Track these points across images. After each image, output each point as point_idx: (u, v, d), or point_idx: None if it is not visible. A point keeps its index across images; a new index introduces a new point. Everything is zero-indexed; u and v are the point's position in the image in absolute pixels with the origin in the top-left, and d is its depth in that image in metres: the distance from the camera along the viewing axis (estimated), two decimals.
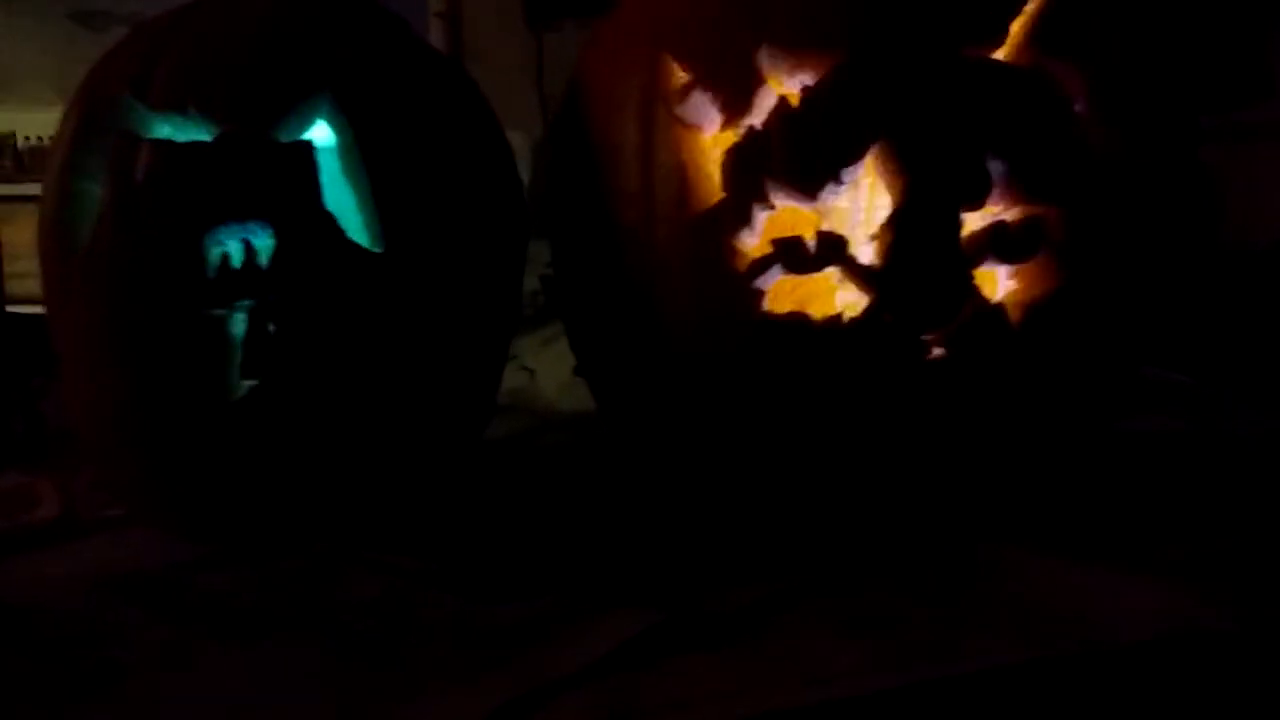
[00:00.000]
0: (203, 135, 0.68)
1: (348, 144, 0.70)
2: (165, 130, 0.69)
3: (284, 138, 0.69)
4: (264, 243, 0.68)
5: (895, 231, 0.61)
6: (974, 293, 0.61)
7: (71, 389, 0.74)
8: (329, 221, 0.69)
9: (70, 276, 0.69)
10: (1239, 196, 2.07)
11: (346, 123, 0.70)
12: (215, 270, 0.67)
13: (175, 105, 0.69)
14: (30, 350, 1.61)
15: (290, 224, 0.68)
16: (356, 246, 0.69)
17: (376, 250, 0.70)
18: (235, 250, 0.68)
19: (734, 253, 0.64)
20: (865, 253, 0.63)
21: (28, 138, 5.26)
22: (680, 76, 0.66)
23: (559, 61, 2.64)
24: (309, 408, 0.69)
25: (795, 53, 0.62)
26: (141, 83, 0.70)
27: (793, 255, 0.63)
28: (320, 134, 0.71)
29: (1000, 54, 0.62)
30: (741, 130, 0.64)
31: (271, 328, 0.68)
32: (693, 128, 0.66)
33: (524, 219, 0.82)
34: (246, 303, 0.68)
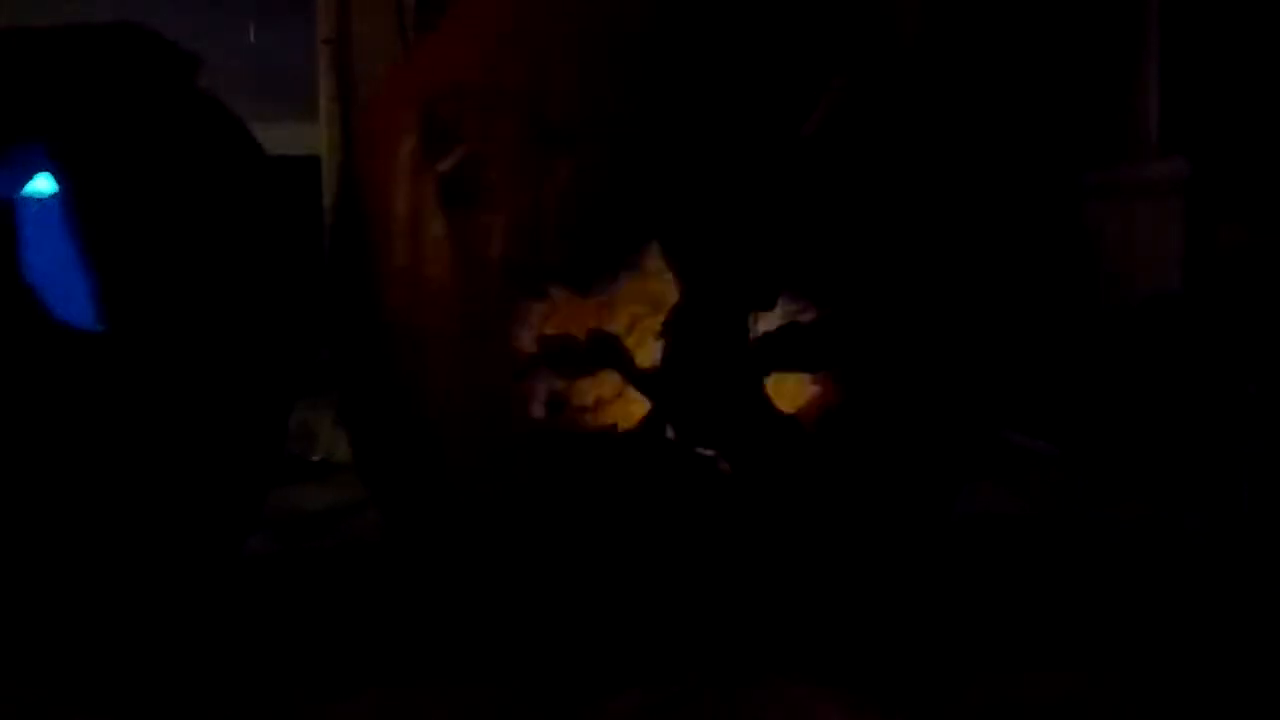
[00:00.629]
0: None
1: (66, 200, 0.60)
2: None
3: None
4: None
5: (675, 333, 0.53)
6: (765, 403, 0.54)
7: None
8: (28, 297, 0.58)
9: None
10: (1119, 252, 2.08)
11: (64, 174, 0.60)
12: None
13: None
14: None
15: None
16: (68, 328, 0.59)
17: (96, 329, 0.59)
18: None
19: (503, 349, 0.56)
20: (650, 355, 0.55)
21: None
22: (451, 145, 0.58)
23: None
24: (17, 532, 0.58)
25: (571, 131, 0.55)
26: None
27: (562, 356, 0.55)
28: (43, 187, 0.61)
29: (797, 143, 0.55)
30: (514, 212, 0.56)
31: None
32: (463, 204, 0.58)
33: (306, 278, 0.72)
34: None
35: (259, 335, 0.68)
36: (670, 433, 0.54)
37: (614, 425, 0.55)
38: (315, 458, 1.09)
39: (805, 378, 0.56)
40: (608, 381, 0.56)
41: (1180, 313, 1.64)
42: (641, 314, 0.56)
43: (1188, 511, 1.04)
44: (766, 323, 0.54)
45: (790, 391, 0.56)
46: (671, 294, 0.55)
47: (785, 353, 0.54)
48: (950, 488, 0.67)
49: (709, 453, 0.54)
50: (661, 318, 0.55)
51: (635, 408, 0.56)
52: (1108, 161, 2.11)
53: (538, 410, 0.55)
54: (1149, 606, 0.71)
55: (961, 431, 0.64)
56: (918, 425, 0.59)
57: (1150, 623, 0.68)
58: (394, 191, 0.61)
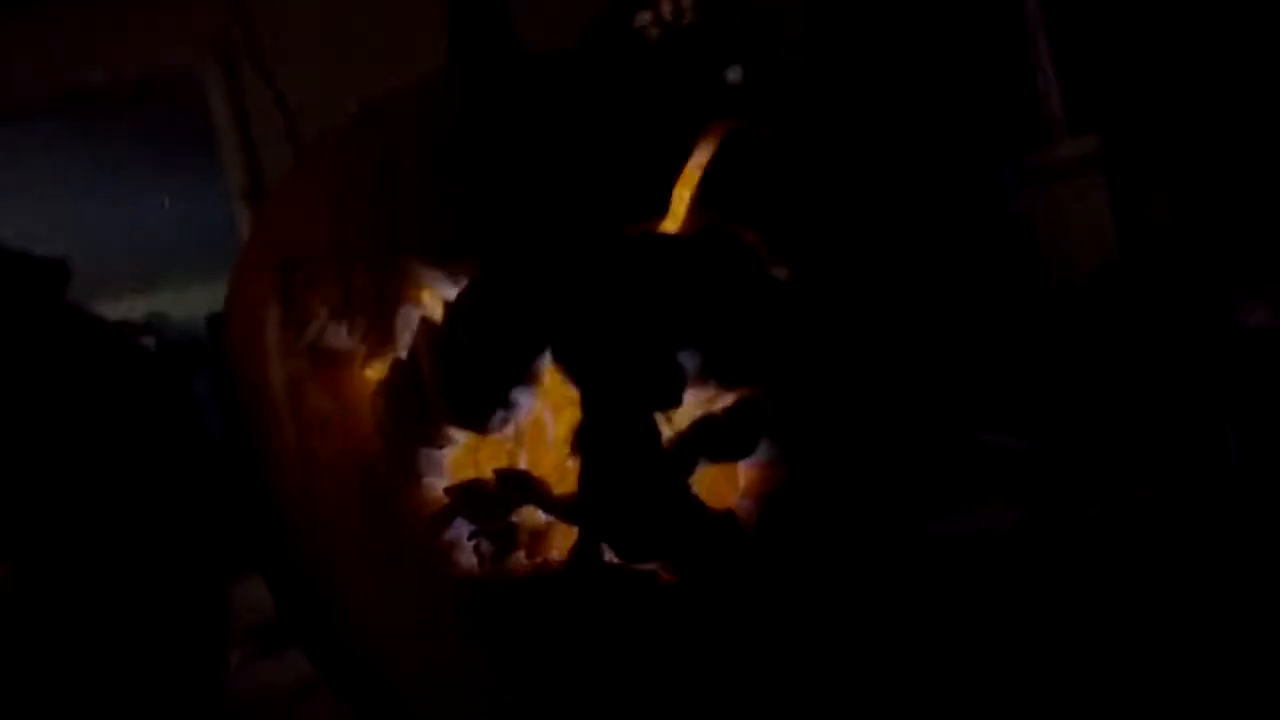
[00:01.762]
0: None
1: None
2: None
3: None
4: None
5: (582, 451, 0.50)
6: (694, 504, 0.51)
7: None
8: None
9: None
10: (1054, 236, 2.08)
11: None
12: None
13: None
14: None
15: None
16: None
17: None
18: None
19: (409, 508, 0.53)
20: (557, 480, 0.52)
21: None
22: (317, 309, 0.56)
23: None
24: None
25: (432, 266, 0.52)
26: None
27: (474, 502, 0.52)
28: None
29: (667, 226, 0.53)
30: (388, 363, 0.53)
31: None
32: (336, 367, 0.55)
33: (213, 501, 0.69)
34: None
35: (175, 533, 0.65)
36: (608, 554, 0.51)
37: (545, 560, 0.52)
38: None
39: (740, 467, 0.53)
40: (533, 515, 0.53)
41: (1124, 280, 1.63)
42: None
43: (1174, 482, 1.01)
44: (679, 419, 0.52)
45: (721, 486, 0.53)
46: (558, 416, 0.52)
47: (706, 446, 0.51)
48: (917, 528, 0.64)
49: (649, 567, 0.51)
50: (559, 440, 0.52)
51: (569, 536, 0.52)
52: (1022, 150, 2.13)
53: (464, 561, 0.52)
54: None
55: (920, 466, 0.62)
56: (871, 480, 0.57)
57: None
58: (266, 367, 0.58)
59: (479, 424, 0.51)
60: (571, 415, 0.52)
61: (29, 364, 0.62)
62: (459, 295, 0.52)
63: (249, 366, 0.59)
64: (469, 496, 0.52)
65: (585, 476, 0.50)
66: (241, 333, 0.61)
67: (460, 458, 0.53)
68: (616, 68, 0.60)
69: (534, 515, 0.52)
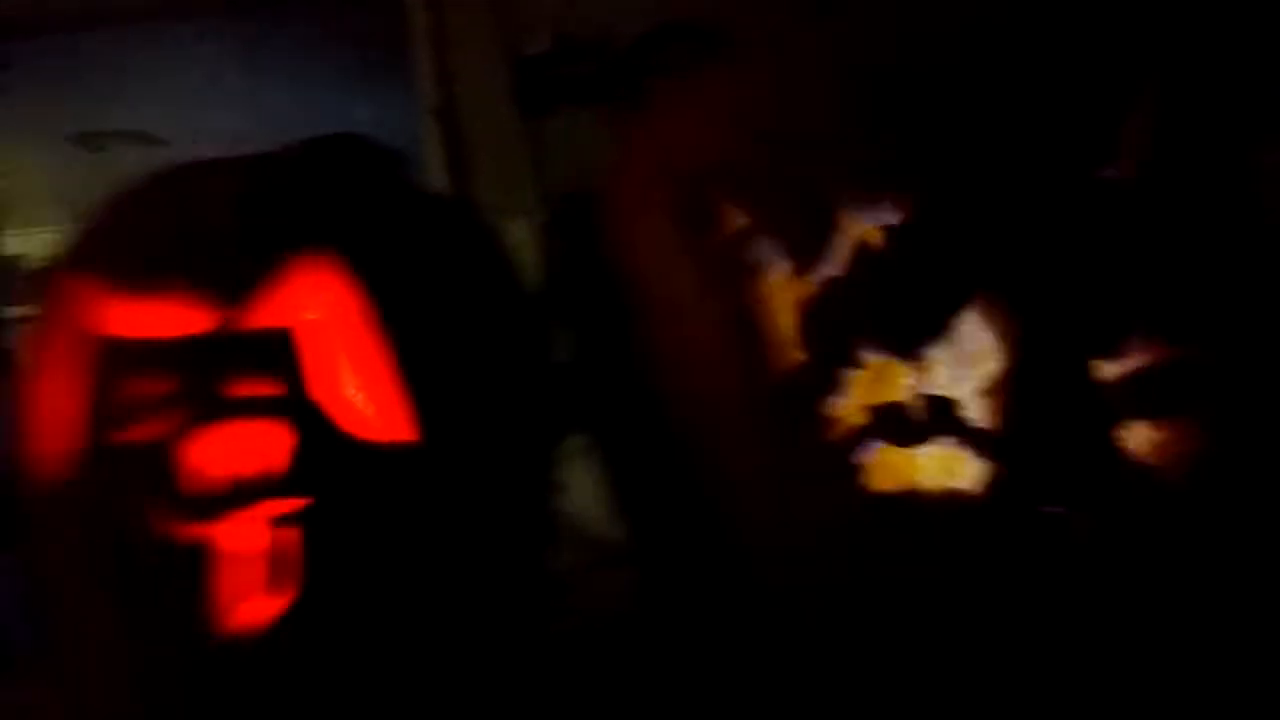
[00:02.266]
0: (182, 325, 0.59)
1: (355, 319, 0.60)
2: (136, 321, 0.59)
3: (276, 318, 0.59)
4: (282, 446, 0.57)
5: (1013, 390, 0.50)
6: (1118, 455, 0.51)
7: (58, 626, 0.64)
8: (348, 415, 0.58)
9: (43, 496, 0.60)
10: None
11: (355, 293, 0.60)
12: (209, 486, 0.57)
13: (149, 289, 0.59)
14: None
15: (301, 420, 0.58)
16: (380, 442, 0.59)
17: (395, 442, 0.59)
18: (236, 456, 0.58)
19: (823, 422, 0.54)
20: (976, 413, 0.52)
21: (34, 261, 5.29)
22: (737, 220, 0.57)
23: (559, 148, 2.59)
24: (333, 642, 0.58)
25: (874, 189, 0.53)
26: (114, 268, 0.60)
27: (894, 425, 0.52)
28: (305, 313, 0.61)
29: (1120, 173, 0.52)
30: (817, 280, 0.54)
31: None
32: (756, 276, 0.56)
33: (555, 376, 0.72)
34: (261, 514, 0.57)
35: (534, 425, 0.68)
36: (1014, 494, 0.51)
37: (956, 490, 0.52)
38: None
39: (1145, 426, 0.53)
40: (935, 446, 0.53)
41: None
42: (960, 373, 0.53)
43: None
44: (1110, 369, 0.51)
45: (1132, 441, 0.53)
46: (989, 349, 0.52)
47: (1138, 400, 0.51)
48: None
49: (1059, 511, 0.51)
50: (983, 375, 0.52)
51: (964, 470, 0.53)
52: None
53: (874, 482, 0.53)
54: None
55: None
56: None
57: None
58: (668, 272, 0.60)
59: (909, 350, 0.52)
60: (991, 348, 0.52)
61: (429, 238, 0.66)
62: (905, 221, 0.52)
63: (642, 269, 0.61)
64: (889, 418, 0.52)
65: (1012, 414, 0.50)
66: (634, 236, 0.63)
67: (867, 379, 0.54)
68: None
69: (941, 443, 0.53)
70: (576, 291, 0.71)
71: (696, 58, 2.68)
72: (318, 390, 0.58)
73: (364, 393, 0.59)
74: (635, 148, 0.66)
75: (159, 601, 0.57)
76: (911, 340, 0.52)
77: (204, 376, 0.57)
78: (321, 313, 0.60)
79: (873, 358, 0.53)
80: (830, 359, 0.53)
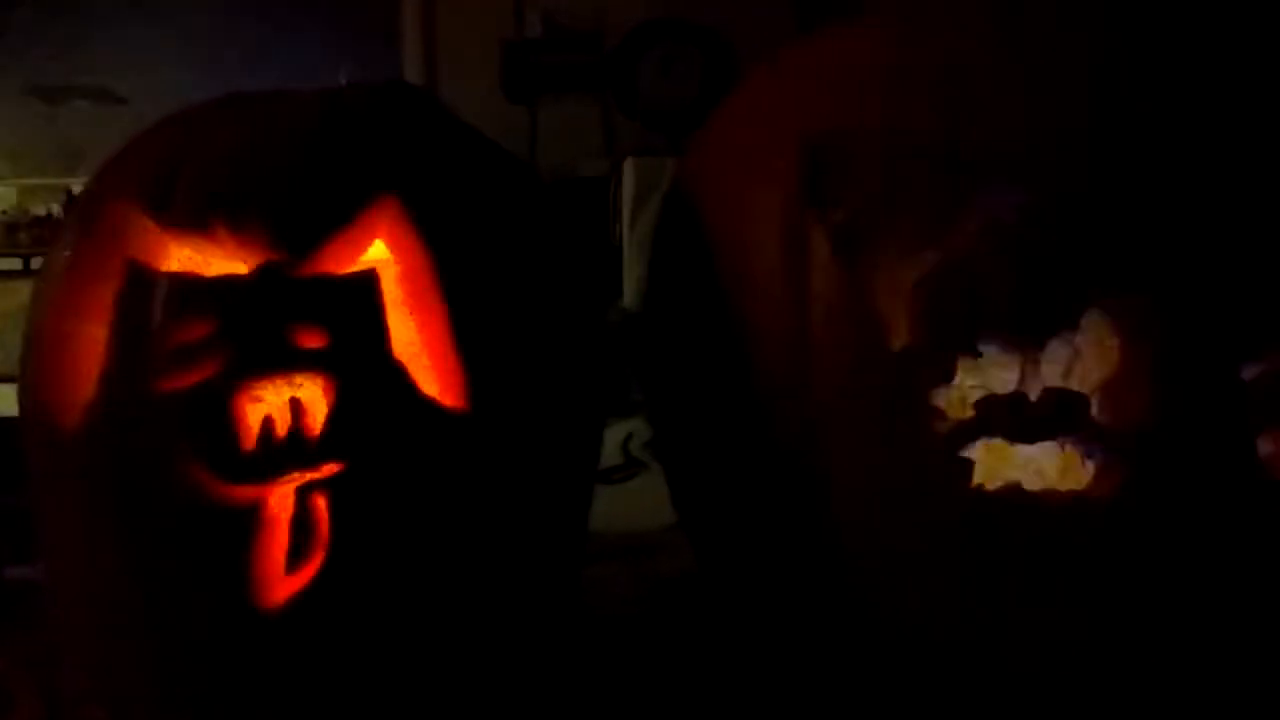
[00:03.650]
0: (234, 265, 0.54)
1: (415, 272, 0.56)
2: (186, 257, 0.54)
3: (336, 266, 0.55)
4: (318, 401, 0.53)
5: (1160, 390, 0.47)
6: (1256, 463, 0.48)
7: (61, 582, 0.58)
8: (400, 374, 0.54)
9: (62, 448, 0.54)
10: None
11: (416, 245, 0.56)
12: (255, 438, 0.52)
13: (201, 226, 0.54)
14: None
15: (353, 378, 0.53)
16: (434, 404, 0.54)
17: (450, 405, 0.55)
18: (279, 412, 0.53)
19: (929, 413, 0.50)
20: (1103, 411, 0.49)
21: None
22: (846, 193, 0.53)
23: (547, 135, 2.55)
24: (375, 610, 0.54)
25: (1011, 166, 0.50)
26: (157, 199, 0.55)
27: (1010, 419, 0.49)
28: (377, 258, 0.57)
29: None
30: (935, 259, 0.51)
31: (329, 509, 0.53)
32: (862, 254, 0.53)
33: (606, 348, 0.69)
34: (295, 478, 0.53)
35: (587, 398, 0.64)
36: (1143, 498, 0.49)
37: (1080, 492, 0.49)
38: None
39: None
40: (1052, 444, 0.50)
41: None
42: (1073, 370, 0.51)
43: None
44: (1250, 372, 0.49)
45: None
46: (1124, 343, 0.49)
47: (1271, 405, 0.48)
48: None
49: (1194, 522, 0.48)
50: (1115, 370, 0.49)
51: (1084, 471, 0.50)
52: None
53: (982, 480, 0.50)
54: None
55: None
56: None
57: None
58: (758, 244, 0.56)
59: (1038, 341, 0.49)
60: (1122, 349, 0.49)
61: (490, 190, 0.61)
62: (1042, 202, 0.49)
63: (733, 236, 0.57)
64: (1004, 411, 0.49)
65: (1156, 416, 0.47)
66: (725, 199, 0.59)
67: (978, 370, 0.51)
68: None
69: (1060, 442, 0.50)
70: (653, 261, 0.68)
71: (686, 53, 2.65)
72: (368, 347, 0.54)
73: (417, 353, 0.55)
74: (752, 108, 0.62)
75: (194, 566, 0.52)
76: (1038, 330, 0.49)
77: (254, 322, 0.53)
78: (383, 264, 0.56)
79: (992, 346, 0.50)
80: (945, 345, 0.50)
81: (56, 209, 5.21)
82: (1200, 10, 0.52)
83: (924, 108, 0.53)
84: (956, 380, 0.51)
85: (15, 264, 5.15)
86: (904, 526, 0.51)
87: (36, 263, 5.25)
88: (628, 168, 2.05)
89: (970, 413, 0.50)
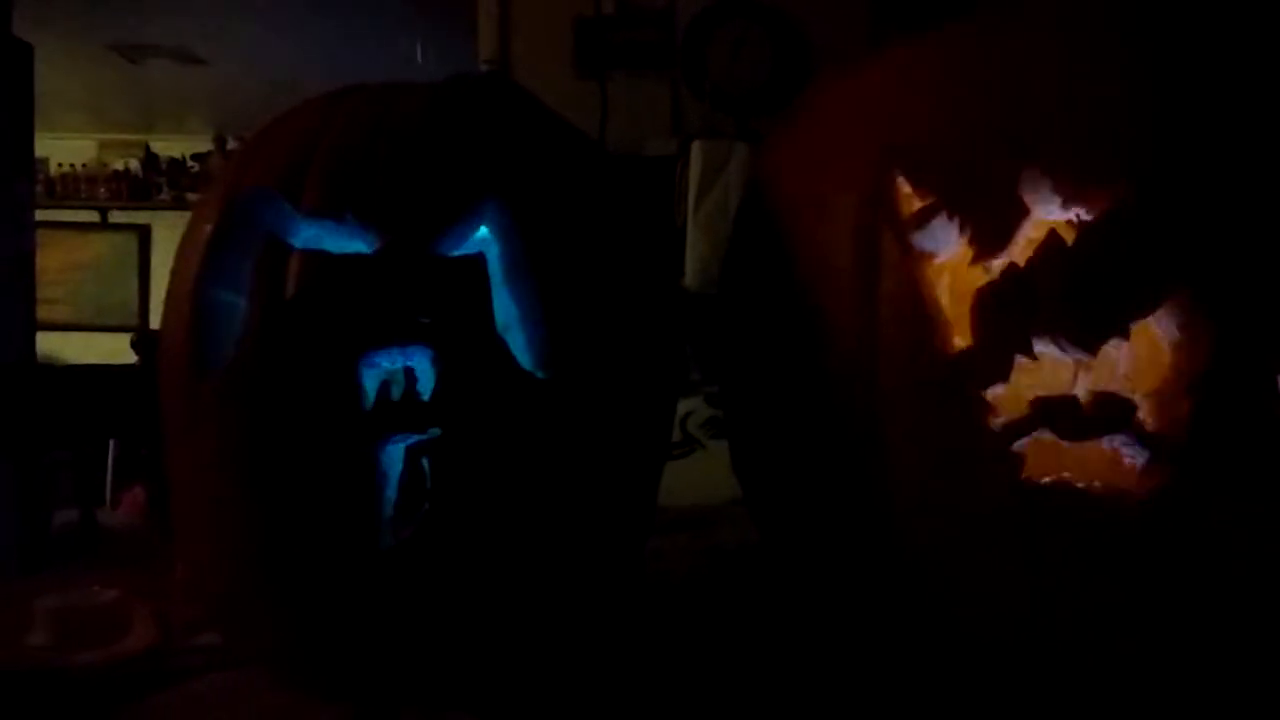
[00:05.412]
0: (359, 245, 0.60)
1: (515, 255, 0.62)
2: (316, 236, 0.61)
3: (448, 249, 0.61)
4: (427, 370, 0.59)
5: (1201, 396, 0.51)
6: None
7: (187, 522, 0.65)
8: (501, 348, 0.60)
9: (200, 400, 0.61)
10: None
11: (516, 231, 0.62)
12: (373, 400, 0.59)
13: (331, 211, 0.60)
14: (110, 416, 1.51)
15: (459, 350, 0.59)
16: (528, 374, 0.60)
17: (542, 376, 0.61)
18: (396, 378, 0.59)
19: (985, 408, 0.55)
20: (1150, 415, 0.53)
21: (60, 164, 5.27)
22: (916, 199, 0.58)
23: (616, 110, 2.59)
24: (469, 556, 0.60)
25: (1071, 181, 0.54)
26: (292, 183, 0.61)
27: (1063, 419, 0.54)
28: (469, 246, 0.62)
29: None
30: (997, 267, 0.55)
31: (431, 467, 0.59)
32: (929, 258, 0.57)
33: (681, 329, 0.74)
34: (405, 438, 0.59)
35: (661, 373, 0.70)
36: (1185, 500, 0.53)
37: (1122, 488, 0.53)
38: None
39: None
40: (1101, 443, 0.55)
41: None
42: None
43: None
44: None
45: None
46: (1174, 350, 0.53)
47: None
48: None
49: (1231, 524, 0.52)
50: (1165, 376, 0.53)
51: (1129, 470, 0.54)
52: None
53: (1031, 473, 0.54)
54: None
55: None
56: None
57: None
58: (833, 243, 0.61)
59: (1090, 346, 0.53)
60: (1170, 358, 0.53)
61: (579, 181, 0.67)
62: (1102, 215, 0.53)
63: (810, 233, 0.62)
64: (1059, 412, 0.54)
65: (1196, 421, 0.51)
66: (803, 199, 0.64)
67: (1032, 371, 0.55)
68: None
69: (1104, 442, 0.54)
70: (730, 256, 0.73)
71: (756, 36, 2.66)
72: (473, 324, 0.60)
73: (514, 329, 0.61)
74: (831, 111, 0.66)
75: (317, 511, 0.58)
76: (1092, 336, 0.53)
77: (377, 297, 0.59)
78: (488, 247, 0.61)
79: (1048, 350, 0.54)
80: (1002, 347, 0.55)
81: (135, 164, 5.41)
82: (1263, 20, 0.55)
83: (994, 120, 0.57)
84: (1012, 379, 0.55)
85: (93, 217, 5.35)
86: (957, 512, 0.56)
87: (114, 216, 5.36)
88: (695, 150, 2.08)
89: (1024, 410, 0.54)
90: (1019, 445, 0.54)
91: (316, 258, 0.59)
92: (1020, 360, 0.54)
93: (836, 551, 0.63)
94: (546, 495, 0.62)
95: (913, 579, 0.59)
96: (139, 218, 5.33)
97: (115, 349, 5.29)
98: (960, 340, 0.56)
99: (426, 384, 0.59)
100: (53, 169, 5.22)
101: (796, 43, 2.51)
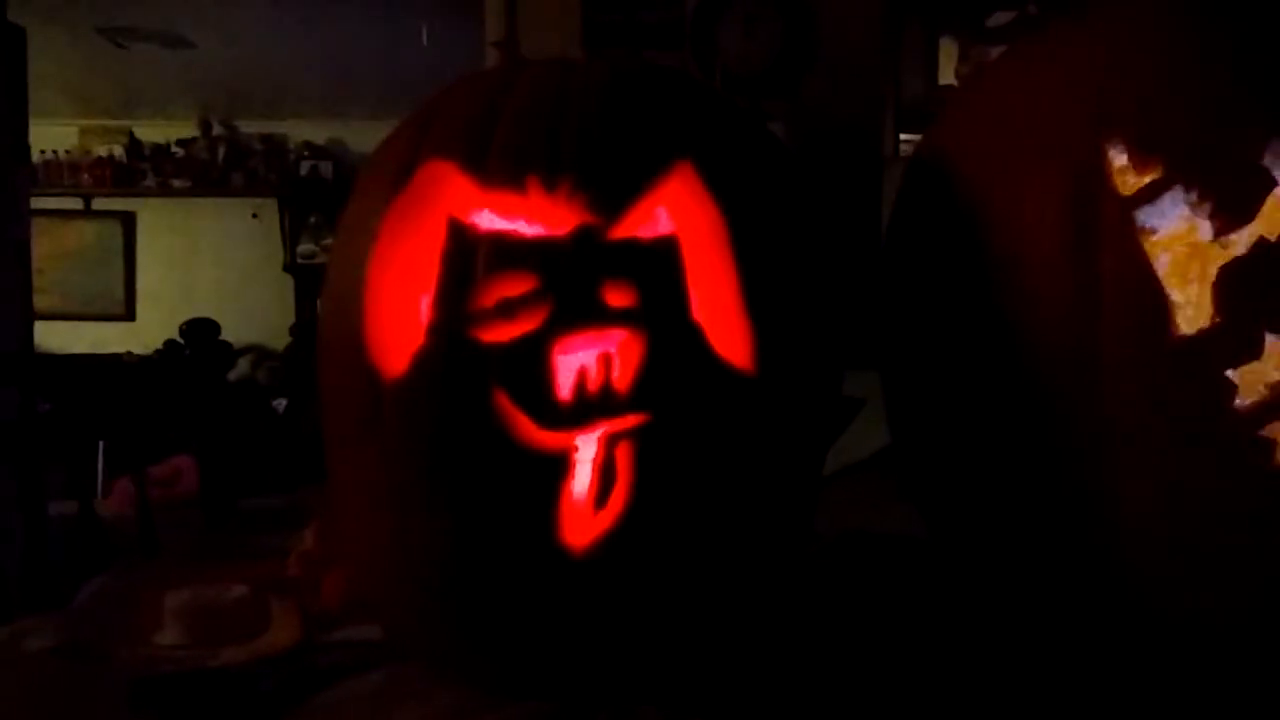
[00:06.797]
0: (552, 226, 0.56)
1: (714, 236, 0.58)
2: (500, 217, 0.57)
3: (642, 229, 0.57)
4: (626, 358, 0.56)
5: None
6: None
7: (354, 521, 0.62)
8: (698, 335, 0.56)
9: (382, 398, 0.57)
10: None
11: (715, 207, 0.58)
12: (570, 388, 0.55)
13: (515, 181, 0.56)
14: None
15: (657, 337, 0.56)
16: (727, 365, 0.57)
17: (745, 368, 0.57)
18: (592, 366, 0.56)
19: (1230, 390, 0.53)
20: None
21: (42, 151, 5.14)
22: (1136, 173, 0.55)
23: None
24: (667, 552, 0.57)
25: None
26: (475, 154, 0.57)
27: None
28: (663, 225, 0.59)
29: None
30: (1242, 241, 0.52)
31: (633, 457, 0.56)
32: (1149, 234, 0.55)
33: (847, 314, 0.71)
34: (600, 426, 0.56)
35: (840, 363, 0.67)
36: None
37: None
38: None
39: None
40: None
41: None
42: None
43: None
44: None
45: None
46: None
47: None
48: None
49: None
50: None
51: None
52: None
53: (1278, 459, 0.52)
54: None
55: None
56: None
57: None
58: (1036, 219, 0.58)
59: None
60: None
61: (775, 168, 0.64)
62: None
63: (1005, 208, 0.59)
64: None
65: None
66: (995, 170, 0.61)
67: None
68: None
69: None
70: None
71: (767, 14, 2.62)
72: (671, 308, 0.56)
73: (712, 315, 0.57)
74: (1027, 83, 0.62)
75: (506, 505, 0.55)
76: None
77: (573, 280, 0.55)
78: (683, 228, 0.58)
79: None
80: (1252, 324, 0.52)
81: (119, 150, 5.27)
82: None
83: (1229, 89, 0.54)
84: (1261, 358, 0.53)
85: (77, 204, 5.22)
86: (1194, 509, 0.54)
87: (98, 203, 5.23)
88: None
89: (1269, 393, 0.52)
90: (1267, 429, 0.52)
91: (506, 241, 0.56)
92: (1272, 339, 0.52)
93: (1038, 542, 0.60)
94: (743, 487, 0.59)
95: (1134, 578, 0.56)
96: (123, 204, 5.22)
97: (101, 338, 5.20)
98: (1193, 319, 0.53)
99: (626, 372, 0.56)
100: (35, 156, 5.07)
101: (807, 23, 2.48)
